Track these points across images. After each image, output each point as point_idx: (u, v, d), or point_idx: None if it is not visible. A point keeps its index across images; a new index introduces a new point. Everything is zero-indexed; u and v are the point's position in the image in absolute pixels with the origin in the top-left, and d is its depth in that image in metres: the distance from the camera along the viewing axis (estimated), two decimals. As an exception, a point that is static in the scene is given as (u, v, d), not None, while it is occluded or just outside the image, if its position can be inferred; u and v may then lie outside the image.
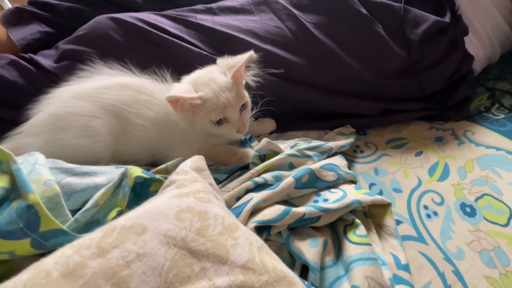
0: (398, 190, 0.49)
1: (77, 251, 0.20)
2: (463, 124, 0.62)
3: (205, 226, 0.23)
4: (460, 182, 0.49)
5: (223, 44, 0.61)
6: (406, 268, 0.36)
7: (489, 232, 0.41)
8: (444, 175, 0.51)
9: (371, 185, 0.51)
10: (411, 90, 0.63)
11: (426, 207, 0.46)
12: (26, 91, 0.56)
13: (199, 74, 0.49)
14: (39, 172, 0.32)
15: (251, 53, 0.48)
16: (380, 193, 0.49)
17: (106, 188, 0.34)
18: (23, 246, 0.26)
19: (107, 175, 0.38)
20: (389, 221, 0.41)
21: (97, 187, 0.35)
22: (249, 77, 0.52)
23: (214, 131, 0.48)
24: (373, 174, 0.53)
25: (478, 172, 0.50)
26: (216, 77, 0.46)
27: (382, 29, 0.61)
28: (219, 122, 0.47)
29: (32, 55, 0.61)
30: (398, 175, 0.52)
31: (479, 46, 0.66)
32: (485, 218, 0.43)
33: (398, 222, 0.44)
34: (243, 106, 0.48)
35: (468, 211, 0.44)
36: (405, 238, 0.42)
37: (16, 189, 0.29)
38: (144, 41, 0.60)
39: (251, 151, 0.51)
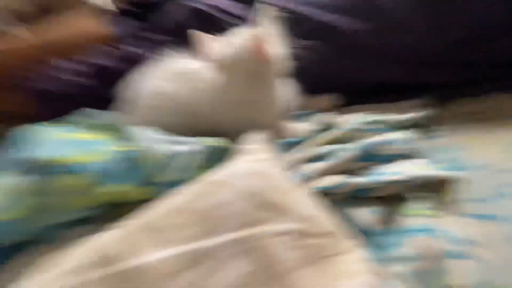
0: (473, 168, 0.46)
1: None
2: None
3: (271, 185, 0.29)
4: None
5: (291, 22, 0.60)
6: (468, 243, 0.35)
7: None
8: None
9: (440, 162, 0.48)
10: (505, 54, 0.54)
11: (506, 187, 0.42)
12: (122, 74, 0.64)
13: None
14: (146, 134, 0.43)
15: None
16: (451, 169, 0.47)
17: (191, 153, 0.43)
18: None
19: (190, 145, 0.47)
20: (454, 198, 0.40)
21: (183, 153, 0.45)
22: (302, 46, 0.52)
23: None
24: (443, 150, 0.50)
25: None
26: None
27: None
28: None
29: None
30: (473, 152, 0.48)
31: None
32: None
33: (470, 200, 0.42)
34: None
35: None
36: (475, 217, 0.40)
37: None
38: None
39: (308, 126, 0.53)
